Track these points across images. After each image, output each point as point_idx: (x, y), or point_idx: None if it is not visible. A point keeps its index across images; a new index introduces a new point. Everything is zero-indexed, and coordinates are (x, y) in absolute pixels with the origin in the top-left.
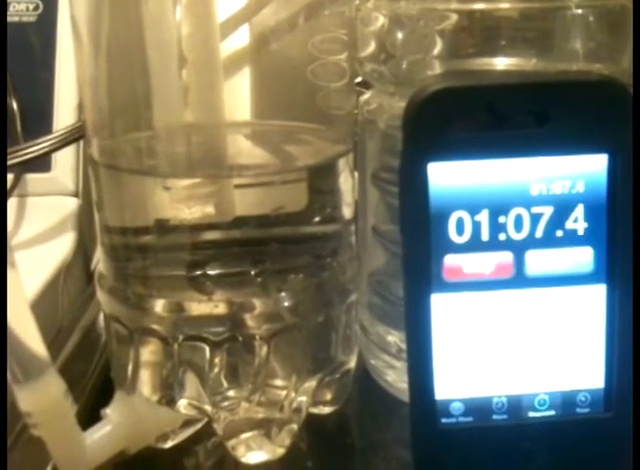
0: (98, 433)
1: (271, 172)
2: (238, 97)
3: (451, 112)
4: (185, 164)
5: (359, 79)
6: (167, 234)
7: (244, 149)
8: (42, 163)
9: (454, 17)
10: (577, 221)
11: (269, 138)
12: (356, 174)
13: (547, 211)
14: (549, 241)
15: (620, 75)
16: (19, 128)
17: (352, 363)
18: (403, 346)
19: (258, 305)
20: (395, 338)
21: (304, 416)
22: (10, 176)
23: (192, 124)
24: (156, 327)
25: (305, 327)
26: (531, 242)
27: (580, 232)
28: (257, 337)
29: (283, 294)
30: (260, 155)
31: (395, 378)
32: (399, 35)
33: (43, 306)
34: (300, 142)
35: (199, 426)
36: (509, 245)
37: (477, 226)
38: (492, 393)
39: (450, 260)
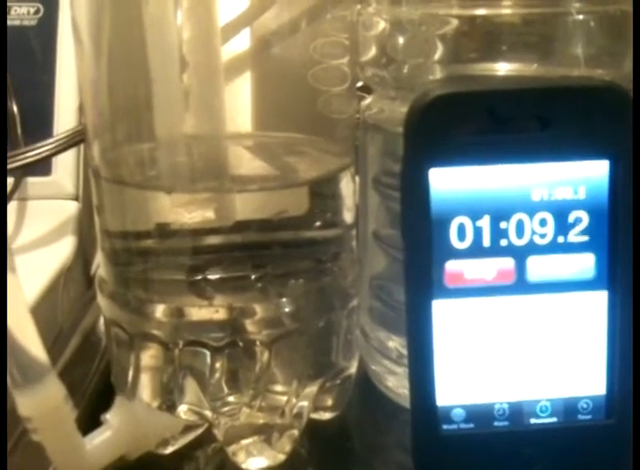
0: (98, 438)
1: (273, 186)
2: (239, 101)
3: (452, 117)
4: (187, 176)
5: (360, 84)
6: (168, 238)
7: (245, 161)
8: (42, 166)
9: (455, 22)
10: (579, 227)
11: (271, 150)
12: (357, 179)
13: (548, 217)
14: (550, 247)
15: (622, 81)
16: (19, 132)
17: (353, 369)
18: (404, 351)
19: (259, 310)
20: (396, 343)
21: (305, 422)
22: (10, 180)
23: (193, 135)
24: (156, 332)
25: (306, 332)
26: (533, 248)
27: (582, 238)
28: (258, 342)
29: (283, 299)
30: (262, 167)
31: (396, 383)
32: (400, 40)
33: (43, 310)
34: (302, 154)
35: (199, 431)
36: (510, 251)
37: (478, 232)
38: (494, 399)
39: (452, 266)
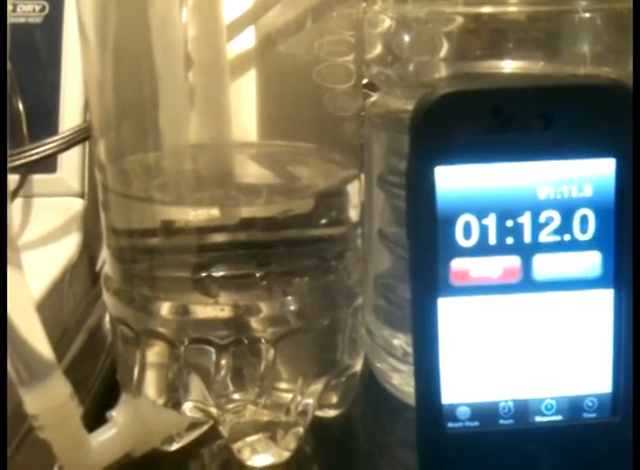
0: (104, 435)
1: (278, 200)
2: (244, 99)
3: (458, 115)
4: (192, 185)
5: (366, 81)
6: (173, 236)
7: (251, 170)
8: (48, 163)
9: (461, 19)
10: (585, 225)
11: (277, 159)
12: (362, 177)
13: (554, 215)
14: (556, 245)
15: (628, 79)
16: (24, 129)
17: (358, 367)
18: (409, 349)
19: (264, 308)
20: (401, 341)
21: (310, 419)
22: (16, 177)
23: (199, 144)
24: (161, 330)
25: (311, 330)
26: (539, 246)
27: (588, 236)
28: (263, 340)
29: (289, 297)
30: (268, 176)
31: (401, 381)
32: (406, 38)
33: (48, 308)
34: (308, 164)
35: (204, 429)
36: (516, 249)
37: (484, 230)
38: (499, 397)
39: (457, 264)
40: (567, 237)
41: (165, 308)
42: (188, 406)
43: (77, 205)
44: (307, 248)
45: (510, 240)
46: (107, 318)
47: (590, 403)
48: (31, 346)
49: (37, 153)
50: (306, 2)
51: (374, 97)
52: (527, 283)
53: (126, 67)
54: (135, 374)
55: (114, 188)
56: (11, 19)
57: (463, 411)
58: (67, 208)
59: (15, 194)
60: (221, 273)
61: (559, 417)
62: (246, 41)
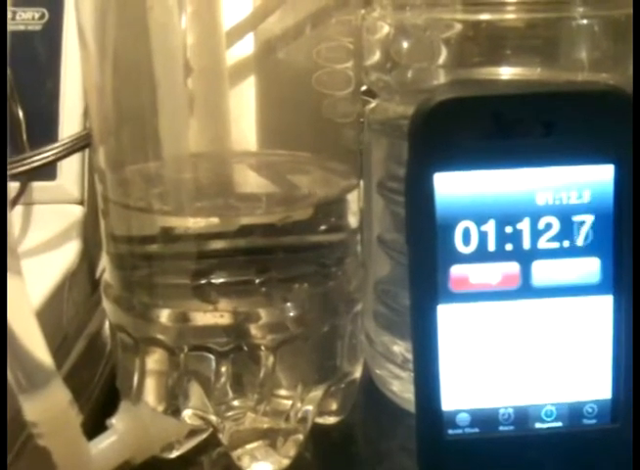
0: (103, 443)
1: (278, 210)
2: (243, 105)
3: (457, 121)
4: (192, 195)
5: (364, 88)
6: (173, 243)
7: (251, 180)
8: (47, 171)
9: (459, 26)
10: (584, 232)
11: (276, 168)
12: (362, 183)
13: (554, 222)
14: (556, 251)
15: (626, 85)
16: (24, 137)
17: (358, 373)
18: (409, 356)
19: (264, 314)
20: (401, 348)
21: (310, 426)
22: (16, 185)
23: (199, 153)
24: (161, 337)
25: (311, 337)
26: (538, 252)
27: (587, 243)
28: (263, 347)
29: (288, 304)
30: (268, 185)
31: (401, 388)
32: (405, 44)
33: (48, 314)
34: (308, 174)
35: (204, 436)
36: (515, 255)
37: (483, 236)
38: (499, 404)
39: (457, 271)
40: (566, 243)
41: (165, 315)
42: (187, 414)
43: (77, 212)
44: (307, 254)
45: (509, 246)
46: (106, 325)
47: (590, 410)
48: (31, 353)
49: (37, 160)
50: (305, 9)
51: (373, 103)
52: (527, 289)
53: (126, 74)
54: (135, 381)
55: (114, 198)
56: (10, 26)
57: (463, 418)
58: (66, 215)
59: (15, 201)
60: (221, 280)
61: (559, 424)
62: (245, 48)
